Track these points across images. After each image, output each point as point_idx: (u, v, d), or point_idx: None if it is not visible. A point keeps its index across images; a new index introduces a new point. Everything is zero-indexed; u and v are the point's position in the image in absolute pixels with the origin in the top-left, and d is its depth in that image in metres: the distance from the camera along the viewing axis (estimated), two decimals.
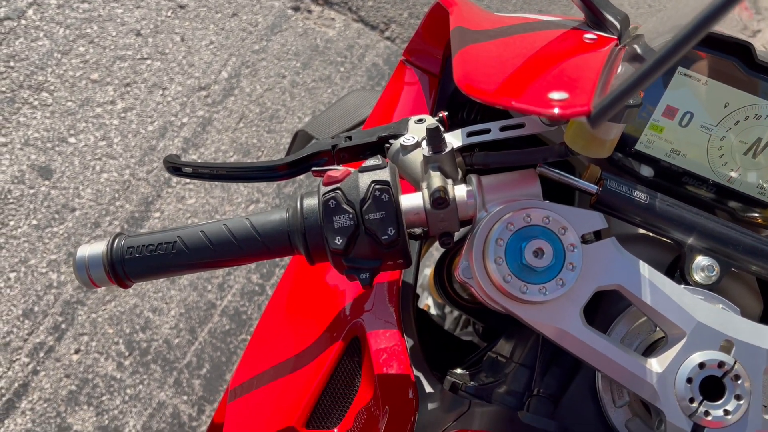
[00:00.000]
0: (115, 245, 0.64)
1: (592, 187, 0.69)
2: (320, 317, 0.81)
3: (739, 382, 0.57)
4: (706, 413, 0.56)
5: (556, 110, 0.47)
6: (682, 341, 0.58)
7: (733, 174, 0.76)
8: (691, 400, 0.57)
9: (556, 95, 0.49)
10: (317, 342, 0.79)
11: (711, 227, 0.68)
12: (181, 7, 2.64)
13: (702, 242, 0.68)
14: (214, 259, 0.64)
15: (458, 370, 0.79)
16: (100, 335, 1.95)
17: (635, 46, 0.68)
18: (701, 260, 0.67)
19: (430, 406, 0.72)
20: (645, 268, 0.60)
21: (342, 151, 0.75)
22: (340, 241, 0.60)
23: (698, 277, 0.67)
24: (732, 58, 0.71)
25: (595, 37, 0.62)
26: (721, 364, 0.57)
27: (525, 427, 0.63)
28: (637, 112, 0.59)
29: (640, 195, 0.68)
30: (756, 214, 0.78)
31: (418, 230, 0.67)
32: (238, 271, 2.14)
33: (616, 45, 0.64)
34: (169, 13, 2.61)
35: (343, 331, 0.77)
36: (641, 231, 0.74)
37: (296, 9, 2.78)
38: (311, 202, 0.63)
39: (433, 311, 1.62)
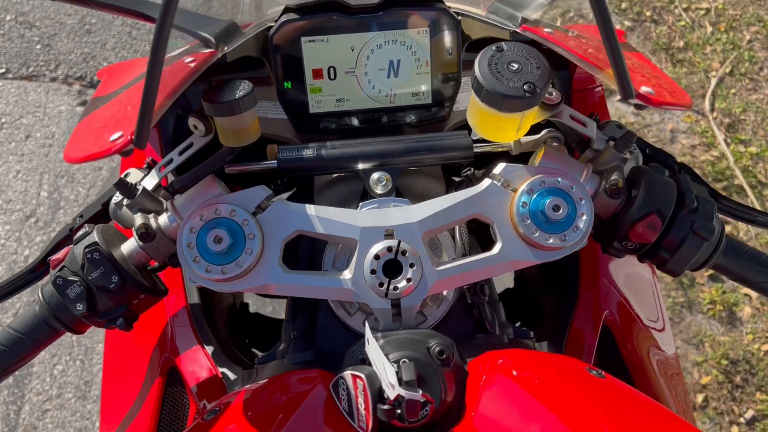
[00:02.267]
0: None
1: (273, 163, 0.84)
2: (141, 363, 0.93)
3: (407, 255, 0.72)
4: (395, 288, 0.72)
5: (115, 148, 0.60)
6: (357, 247, 0.73)
7: (391, 94, 0.92)
8: (381, 285, 0.72)
9: (114, 136, 0.62)
10: (144, 384, 0.91)
11: (368, 149, 0.83)
12: None
13: (368, 163, 0.83)
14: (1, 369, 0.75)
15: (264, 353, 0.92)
16: None
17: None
18: (374, 176, 0.83)
19: (237, 388, 0.85)
20: (311, 208, 0.75)
21: (79, 229, 0.86)
22: (82, 306, 0.72)
23: (378, 190, 0.83)
24: (331, 13, 0.86)
25: (192, 58, 0.76)
26: (389, 249, 0.72)
27: (293, 366, 0.77)
28: (252, 98, 0.73)
29: (308, 152, 0.83)
30: (434, 118, 0.94)
31: (154, 264, 0.80)
32: None
33: (213, 55, 0.77)
34: None
35: (158, 367, 0.89)
36: (334, 175, 0.89)
37: (84, 103, 2.83)
38: (48, 288, 0.74)
39: None
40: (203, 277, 0.71)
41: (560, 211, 0.72)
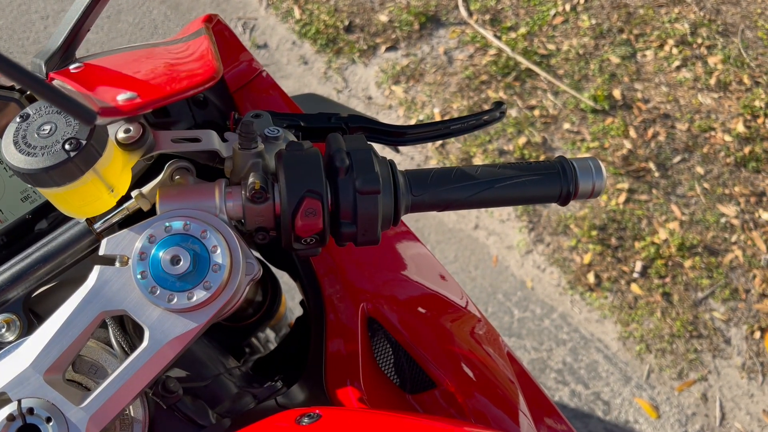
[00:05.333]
0: None
1: None
2: None
3: (36, 411, 0.56)
4: None
5: None
6: None
7: None
8: None
9: None
10: None
11: None
12: None
13: None
14: None
15: None
16: None
17: None
18: None
19: None
20: None
21: None
22: None
23: (9, 337, 0.66)
24: None
25: None
26: (12, 417, 0.56)
27: None
28: None
29: None
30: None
31: None
32: None
33: None
34: None
35: None
36: None
37: None
38: None
39: None
40: None
41: (182, 262, 0.58)
